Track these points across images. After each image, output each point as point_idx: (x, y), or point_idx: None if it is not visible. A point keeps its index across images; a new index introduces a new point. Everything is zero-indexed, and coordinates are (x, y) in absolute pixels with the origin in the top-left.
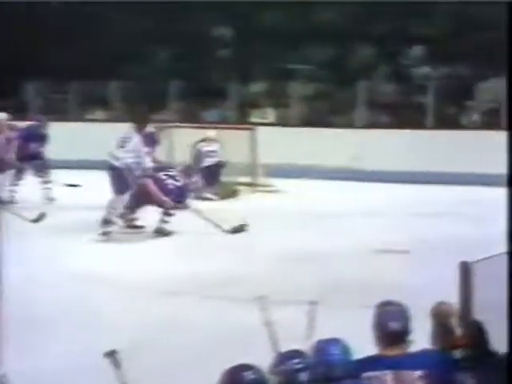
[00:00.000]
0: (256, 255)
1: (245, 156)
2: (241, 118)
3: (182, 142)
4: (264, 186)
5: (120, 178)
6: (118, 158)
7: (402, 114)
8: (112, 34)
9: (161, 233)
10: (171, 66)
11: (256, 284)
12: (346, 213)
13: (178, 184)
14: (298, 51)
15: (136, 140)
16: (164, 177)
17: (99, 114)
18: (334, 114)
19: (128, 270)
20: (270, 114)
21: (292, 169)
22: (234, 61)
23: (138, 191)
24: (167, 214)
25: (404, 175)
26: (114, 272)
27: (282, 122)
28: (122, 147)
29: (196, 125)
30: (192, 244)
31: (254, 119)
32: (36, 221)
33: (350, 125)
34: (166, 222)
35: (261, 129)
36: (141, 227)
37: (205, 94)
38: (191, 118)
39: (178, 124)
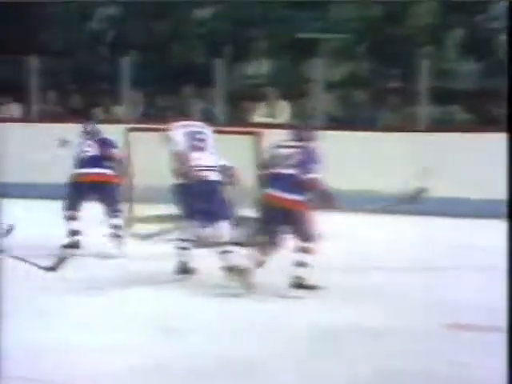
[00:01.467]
0: (258, 333)
1: (243, 176)
2: (235, 116)
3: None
4: None
5: (213, 195)
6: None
7: (488, 109)
8: None
9: (302, 287)
10: (122, 34)
11: (261, 375)
12: (401, 265)
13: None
14: (322, 12)
15: (211, 134)
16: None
17: (14, 108)
18: (381, 108)
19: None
20: (282, 110)
21: None
22: (222, 27)
23: (267, 209)
24: (304, 249)
25: (498, 205)
26: None
27: (301, 123)
28: (200, 149)
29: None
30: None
31: (256, 117)
32: (53, 269)
33: (406, 125)
34: (302, 264)
35: (268, 132)
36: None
37: (177, 78)
38: (156, 115)
39: (136, 125)
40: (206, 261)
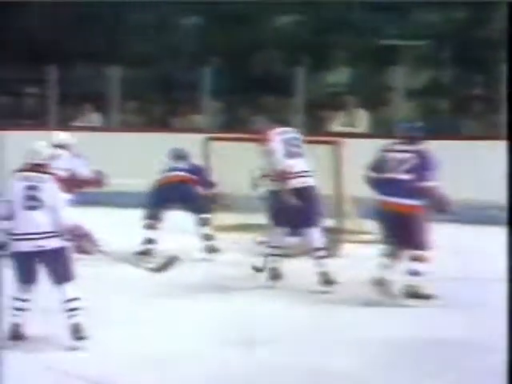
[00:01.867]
0: (358, 343)
1: (322, 185)
2: (314, 125)
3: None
4: (356, 232)
5: (308, 201)
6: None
7: None
8: None
9: (416, 296)
10: (202, 43)
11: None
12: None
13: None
14: (403, 17)
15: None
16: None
17: (94, 117)
18: (464, 115)
19: None
20: (361, 119)
21: None
22: (302, 35)
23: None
24: (418, 258)
25: None
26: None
27: (381, 132)
28: (296, 155)
29: (245, 135)
30: None
31: (335, 126)
32: (161, 270)
33: (490, 133)
34: (417, 273)
35: (348, 142)
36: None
37: (256, 88)
38: (236, 124)
39: (216, 135)
40: (296, 267)
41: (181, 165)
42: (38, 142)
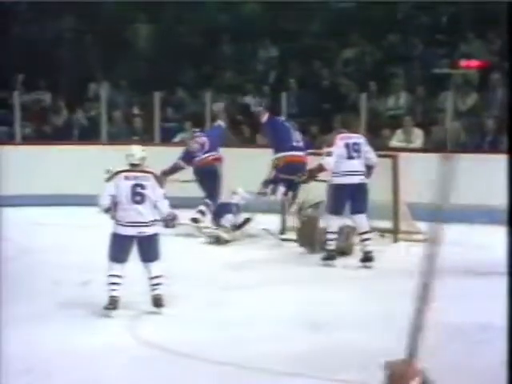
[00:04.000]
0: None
1: (382, 192)
2: (374, 141)
3: None
4: (409, 232)
5: (358, 193)
6: (357, 172)
7: None
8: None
9: None
10: (279, 70)
11: None
12: None
13: None
14: (452, 50)
15: (365, 143)
16: None
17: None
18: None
19: None
20: (416, 136)
21: (448, 210)
22: (366, 64)
23: None
24: None
25: None
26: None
27: (434, 147)
28: (356, 157)
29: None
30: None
31: (394, 143)
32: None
33: None
34: None
35: (405, 156)
36: None
37: (325, 110)
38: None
39: None
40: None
41: (299, 143)
42: (133, 147)
